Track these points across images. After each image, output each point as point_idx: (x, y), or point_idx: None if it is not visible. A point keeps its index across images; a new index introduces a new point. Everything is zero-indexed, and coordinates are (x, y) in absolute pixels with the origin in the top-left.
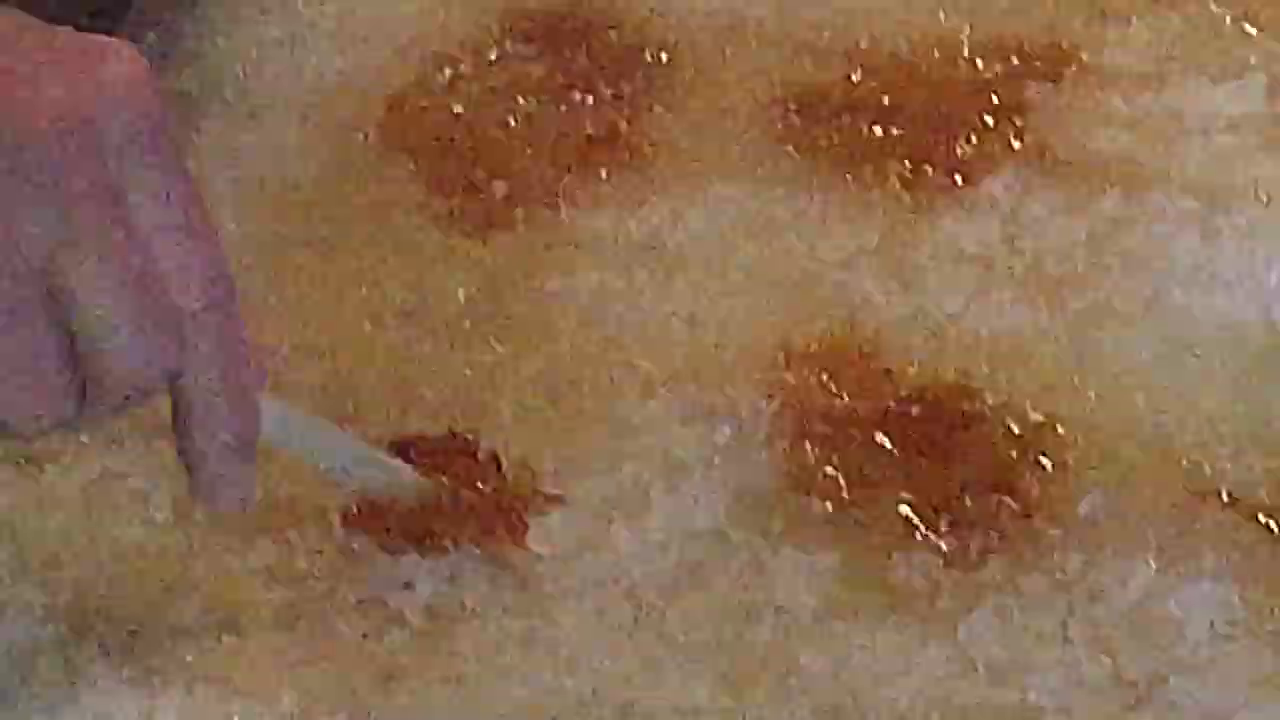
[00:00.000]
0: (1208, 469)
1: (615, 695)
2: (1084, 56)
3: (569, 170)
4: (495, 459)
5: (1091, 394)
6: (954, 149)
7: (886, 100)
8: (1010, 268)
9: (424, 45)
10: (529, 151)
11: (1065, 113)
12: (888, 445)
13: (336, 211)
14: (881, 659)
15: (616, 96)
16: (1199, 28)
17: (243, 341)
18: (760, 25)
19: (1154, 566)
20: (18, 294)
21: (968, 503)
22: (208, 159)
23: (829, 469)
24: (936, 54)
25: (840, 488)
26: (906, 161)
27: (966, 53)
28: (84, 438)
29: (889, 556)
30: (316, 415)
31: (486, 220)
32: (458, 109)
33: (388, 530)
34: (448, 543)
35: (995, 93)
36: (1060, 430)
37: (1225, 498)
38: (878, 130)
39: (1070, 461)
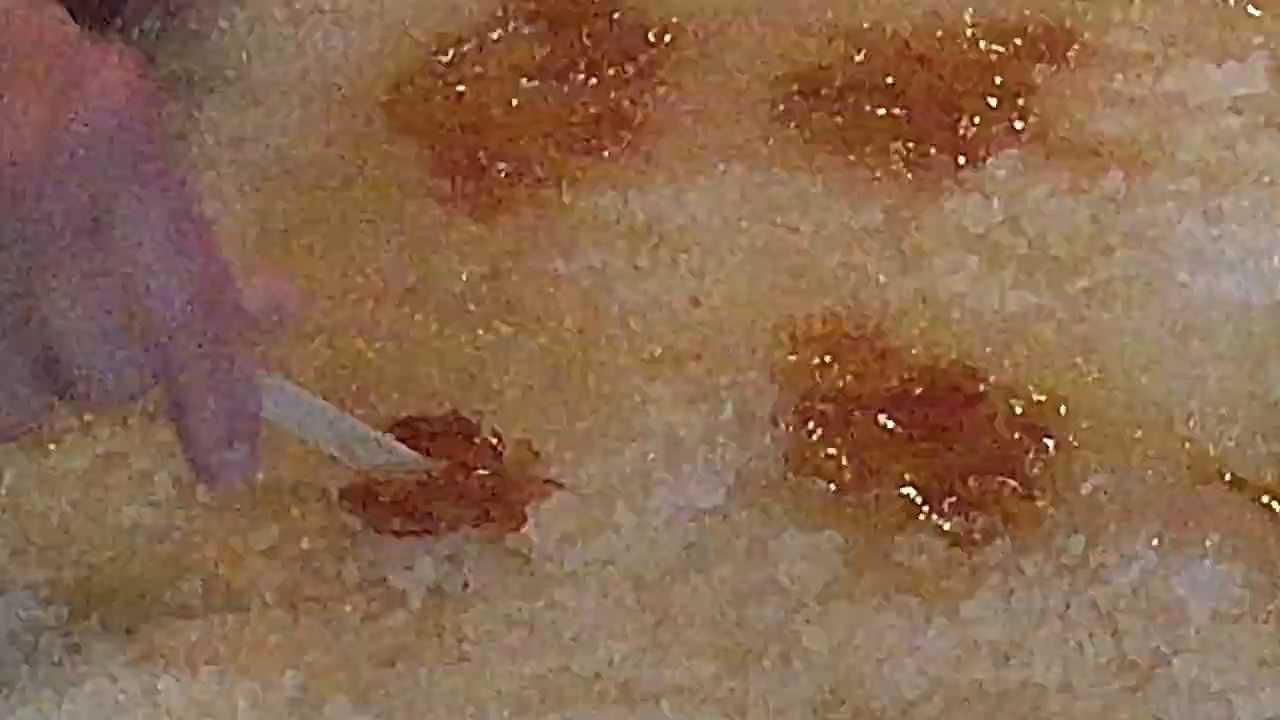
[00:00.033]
0: (1211, 450)
1: (618, 675)
2: (1087, 37)
3: (572, 151)
4: (497, 440)
5: (1094, 375)
6: (956, 130)
7: (889, 81)
8: (1013, 249)
9: (427, 26)
10: (532, 132)
11: (1068, 94)
12: (890, 426)
13: (339, 192)
14: (884, 640)
15: (619, 77)
16: (1201, 9)
17: (233, 343)
18: (763, 6)
19: (1157, 548)
20: None
21: (970, 483)
22: (210, 140)
23: (831, 450)
24: (939, 34)
25: (842, 468)
26: (909, 142)
27: (969, 33)
28: (87, 418)
29: (891, 537)
30: (316, 394)
31: (489, 201)
32: (461, 90)
33: (389, 512)
34: (447, 525)
35: (998, 73)
36: (1063, 411)
37: (1228, 479)
38: (880, 111)
39: (1073, 442)
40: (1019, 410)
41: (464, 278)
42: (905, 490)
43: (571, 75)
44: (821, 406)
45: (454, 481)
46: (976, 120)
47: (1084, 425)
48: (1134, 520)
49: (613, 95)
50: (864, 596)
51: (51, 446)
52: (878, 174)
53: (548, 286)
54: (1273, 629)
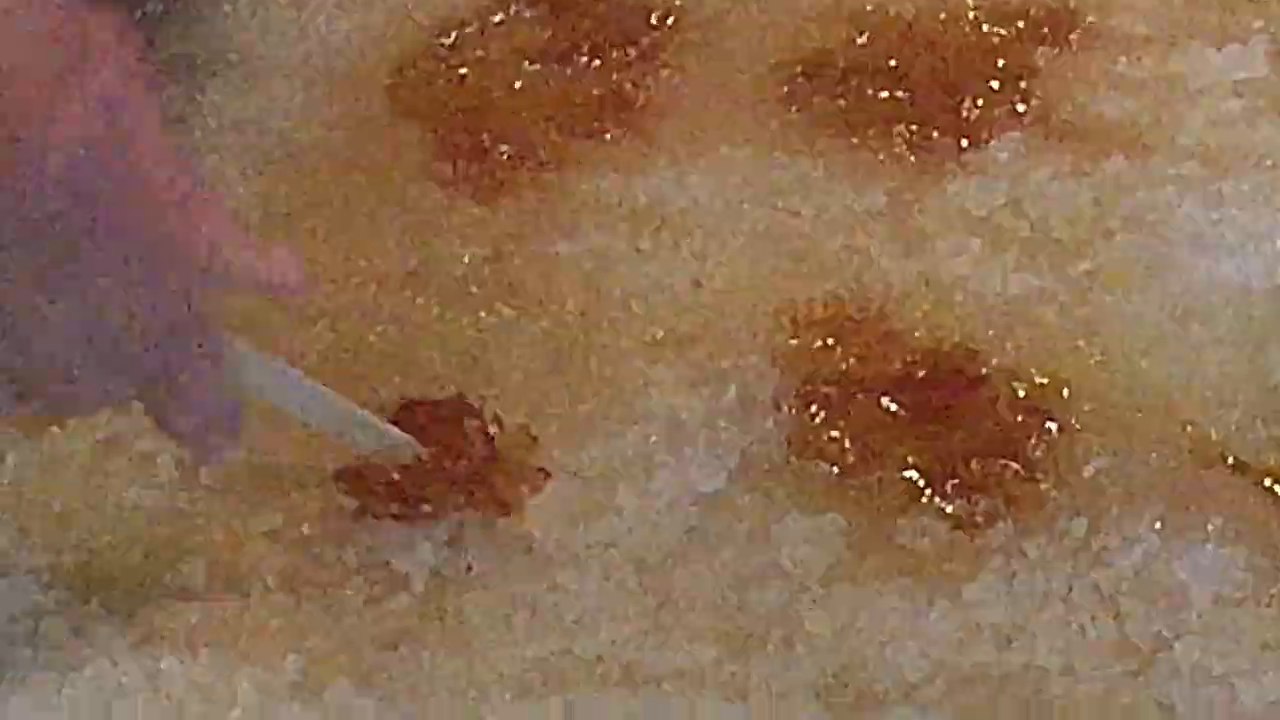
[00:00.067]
0: (1213, 434)
1: (620, 658)
2: (1089, 21)
3: (574, 134)
4: (498, 424)
5: (1096, 358)
6: (959, 113)
7: (892, 64)
8: (1015, 232)
9: (429, 9)
10: (534, 115)
11: (1070, 77)
12: (892, 409)
13: (341, 175)
14: (887, 622)
15: (622, 60)
16: None
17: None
18: None
19: (1159, 531)
20: None
21: (973, 466)
22: (212, 123)
23: (834, 433)
24: (942, 18)
25: (845, 452)
26: (912, 125)
27: (972, 16)
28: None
29: (894, 520)
30: (311, 377)
31: (491, 184)
32: (463, 73)
33: (388, 496)
34: (444, 510)
35: (1000, 57)
36: (1065, 394)
37: (1230, 462)
38: (883, 94)
39: (1075, 425)
40: (1021, 393)
41: (466, 261)
42: (908, 473)
43: (574, 58)
44: (824, 389)
45: (450, 465)
46: (979, 103)
47: (1086, 408)
48: (1136, 503)
49: (615, 78)
50: (866, 579)
51: (54, 430)
52: (880, 157)
53: (550, 269)
54: (1275, 613)
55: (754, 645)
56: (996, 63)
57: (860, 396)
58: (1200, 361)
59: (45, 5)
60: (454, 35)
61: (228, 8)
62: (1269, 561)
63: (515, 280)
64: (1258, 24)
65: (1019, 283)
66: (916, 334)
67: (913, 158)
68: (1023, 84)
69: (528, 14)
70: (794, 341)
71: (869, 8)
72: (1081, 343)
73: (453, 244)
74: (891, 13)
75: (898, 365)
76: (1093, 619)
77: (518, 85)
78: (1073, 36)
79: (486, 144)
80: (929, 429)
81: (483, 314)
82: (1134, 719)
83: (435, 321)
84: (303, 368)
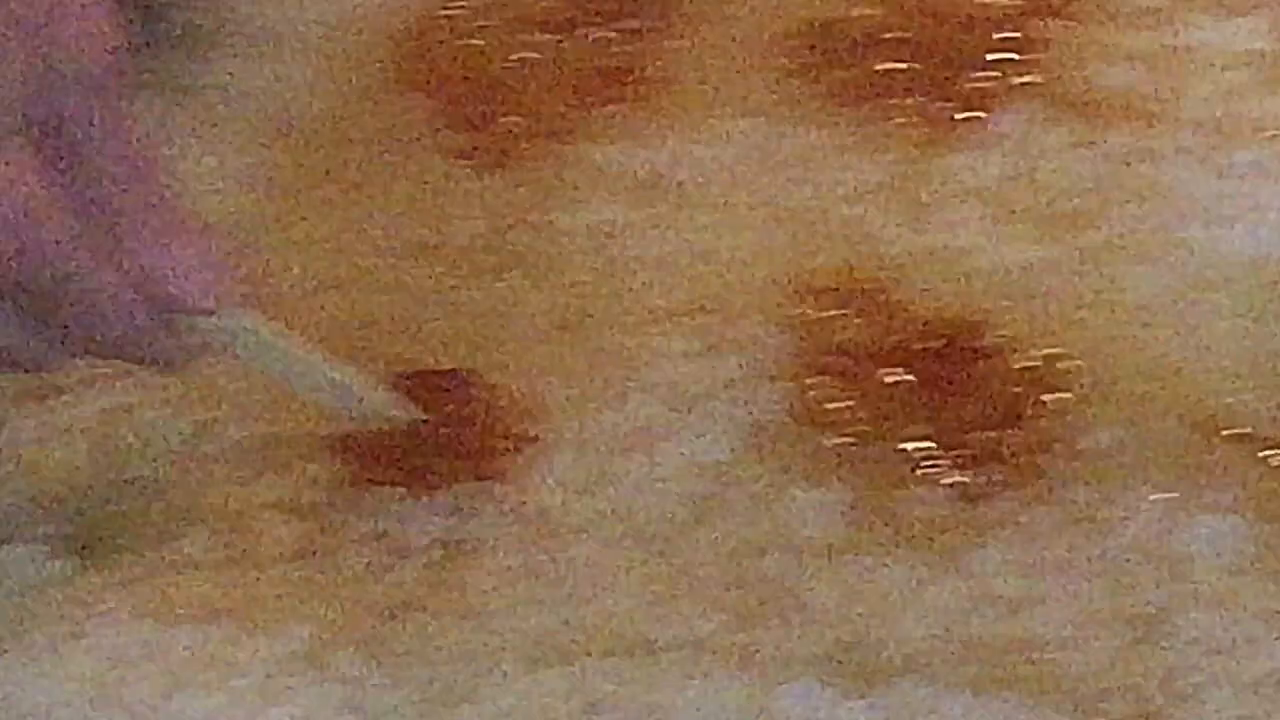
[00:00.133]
0: (1218, 404)
1: (624, 629)
2: None
3: (580, 104)
4: (504, 392)
5: (1102, 329)
6: (965, 83)
7: (898, 34)
8: (1022, 203)
9: None
10: (540, 85)
11: (1076, 48)
12: (898, 380)
13: (347, 146)
14: (891, 593)
15: (628, 30)
16: None
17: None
18: None
19: (1164, 501)
20: None
21: (980, 437)
22: (215, 95)
23: (839, 403)
24: None
25: (850, 422)
26: (918, 96)
27: None
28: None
29: (899, 491)
30: (316, 346)
31: (497, 155)
32: (468, 43)
33: (391, 466)
34: (447, 478)
35: (1007, 27)
36: (1070, 365)
37: (1236, 433)
38: (889, 65)
39: (1080, 396)
40: (1027, 364)
41: (471, 231)
42: (914, 444)
43: (580, 27)
44: (830, 360)
45: (455, 434)
46: (987, 75)
47: (1092, 379)
48: (1141, 474)
49: (622, 48)
50: (872, 549)
51: (59, 398)
52: (888, 128)
53: (556, 240)
54: None
55: (759, 616)
56: (1005, 34)
57: (865, 367)
58: (1209, 333)
59: None
60: (459, 5)
61: None
62: (1275, 532)
63: (521, 250)
64: None
65: (1026, 254)
66: (922, 305)
67: (921, 129)
68: (1029, 55)
69: None
70: (800, 312)
71: None
72: (1087, 314)
73: (459, 214)
74: None
75: (905, 336)
76: (1097, 589)
77: (523, 55)
78: (1079, 7)
79: (492, 115)
80: (936, 400)
81: (489, 284)
82: (1139, 688)
83: (441, 291)
84: (307, 337)
